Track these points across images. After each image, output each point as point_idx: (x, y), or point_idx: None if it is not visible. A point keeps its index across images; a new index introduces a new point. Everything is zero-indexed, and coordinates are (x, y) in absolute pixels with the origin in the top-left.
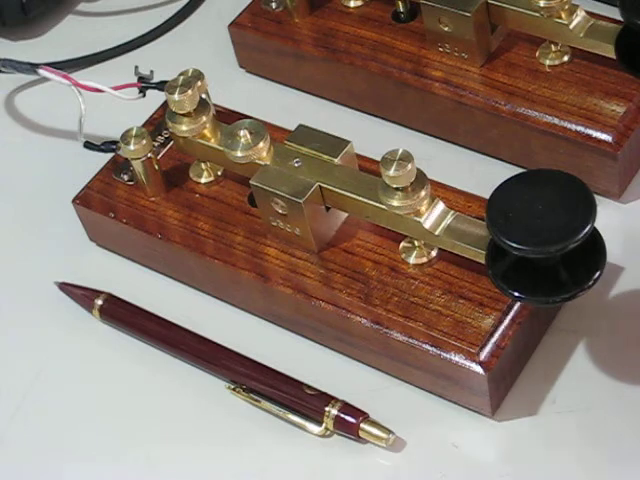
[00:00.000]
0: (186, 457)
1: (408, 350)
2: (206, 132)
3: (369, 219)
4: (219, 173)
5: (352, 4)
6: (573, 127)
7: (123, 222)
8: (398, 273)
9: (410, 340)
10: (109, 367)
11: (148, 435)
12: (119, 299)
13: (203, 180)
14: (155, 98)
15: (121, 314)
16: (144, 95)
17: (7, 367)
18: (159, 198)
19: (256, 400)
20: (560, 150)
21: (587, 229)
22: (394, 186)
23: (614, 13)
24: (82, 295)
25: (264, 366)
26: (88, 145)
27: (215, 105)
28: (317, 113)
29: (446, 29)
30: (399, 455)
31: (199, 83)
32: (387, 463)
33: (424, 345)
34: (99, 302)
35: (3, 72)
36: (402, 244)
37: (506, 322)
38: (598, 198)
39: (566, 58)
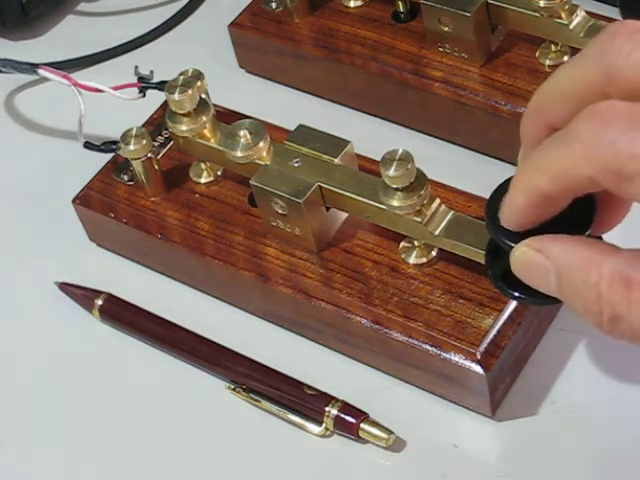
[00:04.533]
0: (186, 457)
1: (408, 350)
2: (206, 132)
3: (369, 219)
4: (219, 173)
5: (352, 4)
6: None
7: (123, 222)
8: (398, 273)
9: (410, 340)
10: (109, 367)
11: (148, 435)
12: (119, 299)
13: (203, 180)
14: (155, 98)
15: (121, 314)
16: (144, 95)
17: (7, 367)
18: (159, 198)
19: (256, 400)
20: None
21: (587, 229)
22: (394, 186)
23: (614, 13)
24: (82, 295)
25: (264, 366)
26: (88, 145)
27: (215, 105)
28: (317, 113)
29: (446, 29)
30: (399, 455)
31: (199, 83)
32: (387, 463)
33: (424, 345)
34: (99, 302)
35: (3, 72)
36: (402, 244)
37: (506, 322)
38: None
39: (566, 58)
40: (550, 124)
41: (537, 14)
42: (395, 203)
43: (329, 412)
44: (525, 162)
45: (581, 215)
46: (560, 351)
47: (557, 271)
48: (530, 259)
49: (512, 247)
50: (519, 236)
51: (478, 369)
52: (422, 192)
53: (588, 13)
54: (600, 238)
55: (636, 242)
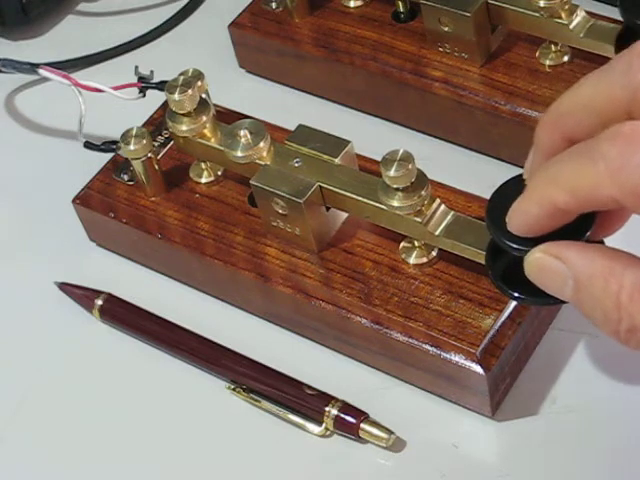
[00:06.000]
0: (186, 457)
1: (408, 350)
2: (206, 132)
3: (369, 219)
4: (219, 173)
5: (352, 4)
6: None
7: (123, 222)
8: (398, 273)
9: (410, 340)
10: (109, 367)
11: (148, 435)
12: (119, 299)
13: (203, 180)
14: (155, 98)
15: (121, 314)
16: (144, 95)
17: (7, 367)
18: (159, 198)
19: (256, 400)
20: None
21: (587, 229)
22: (394, 186)
23: (614, 13)
24: (82, 295)
25: (264, 366)
26: (88, 145)
27: (215, 105)
28: (317, 113)
29: (446, 29)
30: (399, 455)
31: (199, 83)
32: (387, 463)
33: (424, 345)
34: (99, 302)
35: (3, 72)
36: (402, 244)
37: (506, 322)
38: None
39: (566, 58)
40: (568, 136)
41: (537, 14)
42: (395, 203)
43: (329, 412)
44: (542, 173)
45: (582, 218)
46: (560, 351)
47: (575, 278)
48: (547, 265)
49: (512, 248)
50: (521, 238)
51: (478, 369)
52: (422, 192)
53: (588, 13)
54: (602, 242)
55: (637, 245)
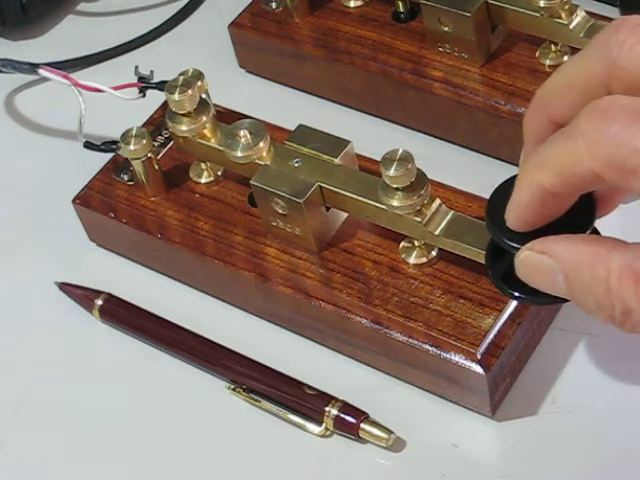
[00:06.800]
0: (186, 457)
1: (408, 350)
2: (206, 132)
3: (369, 219)
4: (219, 173)
5: (352, 4)
6: None
7: (123, 222)
8: (398, 273)
9: (410, 340)
10: (109, 367)
11: (148, 435)
12: (119, 299)
13: (203, 180)
14: (155, 98)
15: (121, 314)
16: (144, 95)
17: (7, 367)
18: (159, 198)
19: (256, 400)
20: None
21: (587, 229)
22: (394, 186)
23: (614, 13)
24: (82, 295)
25: (264, 366)
26: (88, 145)
27: (215, 105)
28: (317, 113)
29: (446, 29)
30: (399, 455)
31: (199, 83)
32: (387, 463)
33: (424, 345)
34: (99, 302)
35: (3, 72)
36: (402, 244)
37: (506, 322)
38: None
39: (566, 58)
40: (553, 119)
41: (537, 14)
42: (395, 203)
43: (329, 412)
44: (529, 159)
45: (582, 214)
46: (560, 351)
47: (564, 271)
48: (535, 262)
49: (512, 247)
50: (520, 237)
51: (478, 369)
52: (422, 192)
53: (588, 13)
54: (597, 232)
55: (636, 237)
